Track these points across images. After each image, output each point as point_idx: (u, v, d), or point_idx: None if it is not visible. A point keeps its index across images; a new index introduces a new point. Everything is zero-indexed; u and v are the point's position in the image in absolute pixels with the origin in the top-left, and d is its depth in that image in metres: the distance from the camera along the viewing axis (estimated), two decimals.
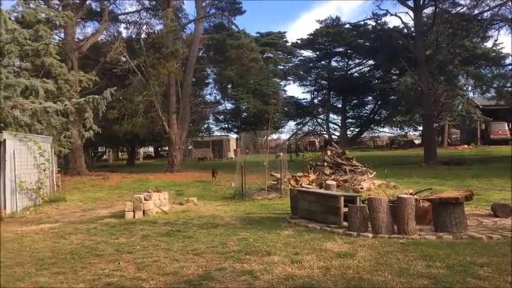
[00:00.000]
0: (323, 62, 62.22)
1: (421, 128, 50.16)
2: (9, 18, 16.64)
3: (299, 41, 60.40)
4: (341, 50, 60.05)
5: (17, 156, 13.24)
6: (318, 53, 61.55)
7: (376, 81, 57.47)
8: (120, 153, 56.06)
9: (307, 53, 62.28)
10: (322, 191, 10.58)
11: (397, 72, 49.57)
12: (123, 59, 28.92)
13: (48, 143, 15.79)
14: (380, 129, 65.77)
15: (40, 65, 19.46)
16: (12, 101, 15.17)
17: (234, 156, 46.04)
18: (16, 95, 15.68)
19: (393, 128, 63.11)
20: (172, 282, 5.75)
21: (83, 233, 9.38)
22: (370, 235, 7.70)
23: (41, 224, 10.77)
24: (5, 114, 14.44)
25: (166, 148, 37.61)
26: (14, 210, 12.87)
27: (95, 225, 10.27)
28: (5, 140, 12.74)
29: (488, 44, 37.30)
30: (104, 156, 52.59)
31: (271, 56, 54.79)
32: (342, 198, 8.58)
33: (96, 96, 18.27)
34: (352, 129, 65.34)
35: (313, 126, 67.09)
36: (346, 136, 60.22)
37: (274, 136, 59.18)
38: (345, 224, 8.43)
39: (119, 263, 6.75)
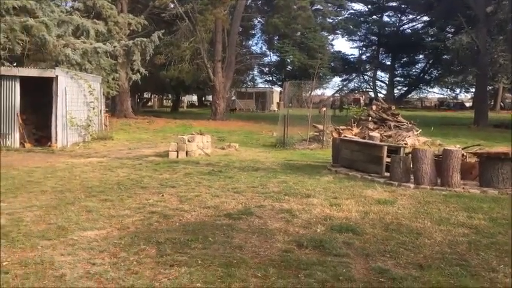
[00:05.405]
0: (374, 17, 59.80)
1: (473, 90, 48.08)
2: None
3: None
4: (394, 4, 57.34)
5: (68, 93, 13.71)
6: (369, 6, 59.09)
7: (430, 38, 54.82)
8: (164, 101, 57.02)
9: (358, 6, 59.91)
10: (366, 140, 10.45)
11: (453, 30, 46.98)
12: (171, 5, 28.83)
13: (97, 82, 16.23)
14: (429, 90, 63.48)
15: (91, 6, 19.74)
16: (65, 40, 15.54)
17: (276, 109, 45.87)
18: (68, 34, 16.03)
19: (443, 89, 60.75)
20: (213, 214, 5.95)
21: (128, 168, 9.77)
22: (412, 186, 7.63)
23: (90, 158, 11.28)
24: (57, 52, 14.84)
25: (210, 98, 37.85)
26: (65, 144, 13.49)
27: (140, 162, 10.66)
28: (57, 76, 13.17)
29: None
30: (149, 103, 53.63)
31: (321, 8, 53.04)
32: (385, 147, 8.47)
33: (144, 39, 18.49)
34: (399, 88, 63.35)
35: (359, 83, 65.53)
36: (393, 95, 58.53)
37: (319, 92, 58.30)
38: (387, 174, 8.36)
39: (163, 195, 7.02)
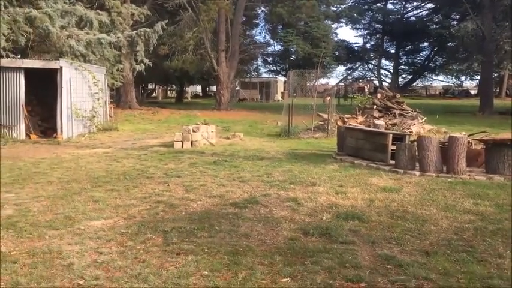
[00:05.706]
0: (378, 4, 59.24)
1: (478, 77, 47.73)
2: None
3: None
4: None
5: (73, 84, 13.71)
6: None
7: (434, 26, 54.26)
8: (169, 92, 57.03)
9: None
10: (371, 128, 10.42)
11: (458, 17, 46.49)
12: None
13: (102, 73, 16.22)
14: (434, 78, 63.01)
15: None
16: (68, 31, 15.51)
17: (281, 99, 45.74)
18: (71, 25, 16.00)
19: (448, 76, 60.24)
20: (219, 203, 5.97)
21: (134, 158, 9.80)
22: (418, 173, 7.62)
23: (95, 149, 11.32)
24: (61, 43, 14.83)
25: (214, 88, 37.77)
26: (70, 135, 13.52)
27: (145, 152, 10.69)
28: (61, 67, 13.16)
29: None
30: (154, 94, 53.63)
31: None
32: (391, 135, 8.44)
33: (148, 30, 18.43)
34: (404, 76, 62.95)
35: (364, 72, 65.18)
36: (397, 83, 58.17)
37: (323, 81, 57.97)
38: (392, 162, 8.34)
39: (168, 185, 7.04)
